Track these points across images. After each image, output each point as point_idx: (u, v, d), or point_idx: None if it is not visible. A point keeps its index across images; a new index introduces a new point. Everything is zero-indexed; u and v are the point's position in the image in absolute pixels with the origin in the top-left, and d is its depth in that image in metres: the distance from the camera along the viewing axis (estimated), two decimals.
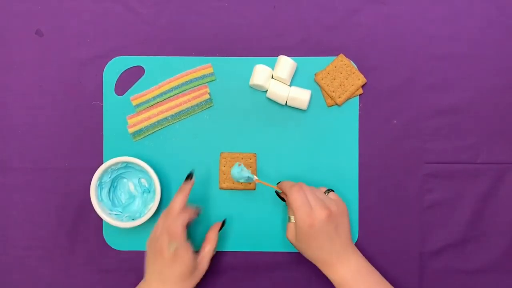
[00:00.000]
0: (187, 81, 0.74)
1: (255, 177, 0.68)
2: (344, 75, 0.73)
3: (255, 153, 0.73)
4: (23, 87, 0.75)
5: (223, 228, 0.71)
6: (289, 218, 0.67)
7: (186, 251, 0.64)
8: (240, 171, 0.68)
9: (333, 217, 0.64)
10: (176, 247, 0.63)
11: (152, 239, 0.66)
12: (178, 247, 0.63)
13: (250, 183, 0.73)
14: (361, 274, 0.64)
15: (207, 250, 0.68)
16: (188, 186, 0.67)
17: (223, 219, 0.72)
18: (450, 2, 0.75)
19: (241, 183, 0.72)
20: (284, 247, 0.74)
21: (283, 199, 0.70)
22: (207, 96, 0.74)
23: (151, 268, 0.65)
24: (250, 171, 0.69)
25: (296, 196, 0.64)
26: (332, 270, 0.64)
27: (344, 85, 0.73)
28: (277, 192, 0.71)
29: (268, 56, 0.74)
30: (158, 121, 0.74)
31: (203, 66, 0.74)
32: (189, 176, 0.68)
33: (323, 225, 0.63)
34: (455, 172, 0.74)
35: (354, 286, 0.63)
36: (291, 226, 0.67)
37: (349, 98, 0.74)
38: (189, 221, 0.66)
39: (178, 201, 0.65)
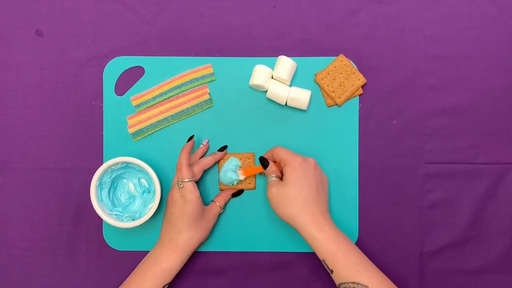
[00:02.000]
0: (187, 81, 0.74)
1: (241, 177, 0.71)
2: (344, 75, 0.73)
3: (253, 153, 0.73)
4: (23, 87, 0.75)
5: (237, 196, 0.74)
6: (268, 178, 0.69)
7: (193, 187, 0.67)
8: (225, 175, 0.72)
9: (319, 168, 0.69)
10: (182, 182, 0.67)
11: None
12: (185, 182, 0.67)
13: (249, 183, 0.73)
14: (344, 237, 0.66)
15: (216, 204, 0.71)
16: (190, 144, 0.69)
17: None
18: (450, 2, 0.75)
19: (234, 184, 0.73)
20: (284, 247, 0.74)
21: (264, 165, 0.70)
22: (207, 96, 0.74)
23: (164, 223, 0.70)
24: (237, 173, 0.71)
25: (284, 148, 0.69)
26: (318, 226, 0.65)
27: (344, 85, 0.73)
28: (260, 158, 0.71)
29: (268, 56, 0.74)
30: (158, 121, 0.74)
31: (203, 66, 0.74)
32: (190, 139, 0.70)
33: (313, 166, 0.68)
34: (455, 172, 0.74)
35: (342, 244, 0.64)
36: (273, 182, 0.68)
37: (349, 98, 0.74)
38: (202, 165, 0.70)
39: (182, 157, 0.68)
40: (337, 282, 0.65)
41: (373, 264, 0.65)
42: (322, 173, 0.70)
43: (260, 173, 0.73)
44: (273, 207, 0.68)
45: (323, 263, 0.65)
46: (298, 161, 0.67)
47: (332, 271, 0.64)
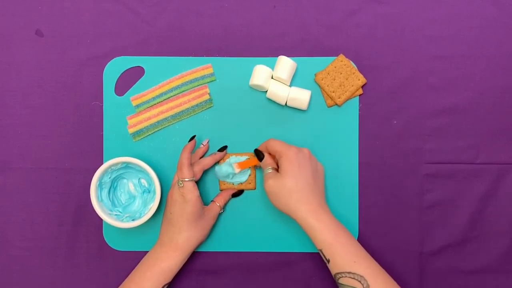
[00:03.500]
0: (187, 82, 0.74)
1: (236, 170, 0.71)
2: (344, 75, 0.73)
3: (253, 155, 0.73)
4: (23, 87, 0.75)
5: (238, 196, 0.74)
6: (265, 170, 0.69)
7: (193, 187, 0.68)
8: (220, 169, 0.72)
9: (313, 158, 0.70)
10: (183, 181, 0.67)
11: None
12: (185, 182, 0.67)
13: (249, 183, 0.73)
14: (342, 227, 0.66)
15: (216, 204, 0.72)
16: (191, 144, 0.70)
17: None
18: (450, 2, 0.75)
19: (233, 182, 0.74)
20: (284, 247, 0.74)
21: (260, 158, 0.70)
22: (207, 97, 0.74)
23: (163, 222, 0.70)
24: (232, 166, 0.71)
25: (278, 140, 0.69)
26: (315, 216, 0.65)
27: (344, 85, 0.73)
28: (255, 150, 0.71)
29: (268, 56, 0.74)
30: (158, 122, 0.74)
31: (203, 66, 0.74)
32: (191, 139, 0.71)
33: (308, 156, 0.68)
34: (455, 172, 0.74)
35: (340, 234, 0.64)
36: (269, 174, 0.68)
37: (349, 99, 0.74)
38: (202, 165, 0.71)
39: (183, 156, 0.69)
40: (333, 271, 0.65)
41: (370, 256, 0.65)
42: (317, 162, 0.70)
43: (255, 166, 0.73)
44: (271, 199, 0.68)
45: (320, 253, 0.65)
46: (293, 152, 0.67)
47: (328, 261, 0.64)
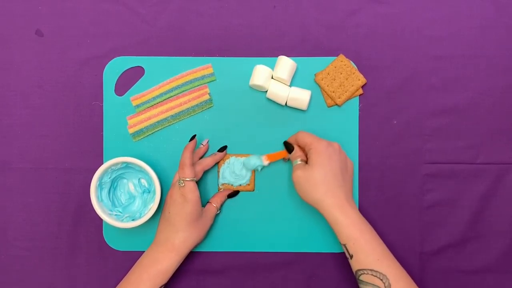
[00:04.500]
0: (187, 82, 0.74)
1: (265, 162, 0.71)
2: (344, 75, 0.73)
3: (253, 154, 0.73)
4: (23, 87, 0.75)
5: (233, 197, 0.74)
6: (294, 162, 0.69)
7: (194, 187, 0.68)
8: (248, 162, 0.71)
9: (343, 153, 0.69)
10: (184, 181, 0.67)
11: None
12: (186, 181, 0.67)
13: (248, 185, 0.73)
14: (368, 225, 0.66)
15: (212, 205, 0.71)
16: (192, 143, 0.70)
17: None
18: (450, 2, 0.75)
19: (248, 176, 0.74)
20: (284, 247, 0.74)
21: (289, 150, 0.71)
22: (207, 97, 0.74)
23: (161, 222, 0.70)
24: (261, 158, 0.71)
25: (308, 133, 0.70)
26: (342, 210, 0.65)
27: (344, 85, 0.73)
28: (285, 143, 0.71)
29: (268, 56, 0.74)
30: (158, 122, 0.74)
31: (203, 66, 0.74)
32: (192, 138, 0.70)
33: (338, 150, 0.68)
34: (455, 172, 0.74)
35: (365, 231, 0.64)
36: (298, 166, 0.68)
37: (349, 99, 0.74)
38: (203, 166, 0.71)
39: (185, 156, 0.68)
40: (355, 268, 0.64)
41: (393, 256, 0.65)
42: (347, 158, 0.70)
43: (284, 159, 0.73)
44: (298, 190, 0.68)
45: (343, 247, 0.65)
46: (323, 145, 0.67)
47: (351, 256, 0.64)
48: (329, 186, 0.66)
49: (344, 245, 0.65)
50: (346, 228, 0.64)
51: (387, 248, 0.66)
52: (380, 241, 0.66)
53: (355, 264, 0.64)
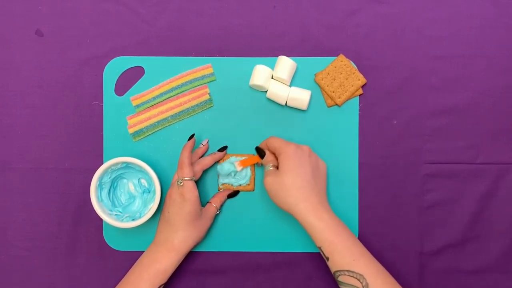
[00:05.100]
0: (187, 82, 0.74)
1: (238, 168, 0.71)
2: (344, 75, 0.73)
3: (253, 154, 0.73)
4: (23, 87, 0.75)
5: (233, 197, 0.74)
6: (266, 167, 0.69)
7: (193, 187, 0.68)
8: (222, 168, 0.72)
9: (314, 155, 0.69)
10: (183, 180, 0.67)
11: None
12: (185, 181, 0.67)
13: (248, 185, 0.73)
14: (343, 226, 0.66)
15: (212, 205, 0.72)
16: (191, 142, 0.70)
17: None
18: (450, 2, 0.75)
19: (235, 184, 0.74)
20: (284, 247, 0.74)
21: (261, 155, 0.70)
22: (207, 97, 0.74)
23: (160, 222, 0.70)
24: (234, 164, 0.72)
25: (278, 138, 0.70)
26: (316, 214, 0.65)
27: (344, 85, 0.73)
28: (257, 148, 0.71)
29: (268, 56, 0.74)
30: (158, 122, 0.74)
31: (203, 66, 0.74)
32: (190, 137, 0.71)
33: (308, 153, 0.68)
34: (455, 172, 0.74)
35: (339, 232, 0.64)
36: (269, 171, 0.68)
37: (349, 99, 0.74)
38: (202, 165, 0.71)
39: (184, 155, 0.69)
40: (332, 269, 0.65)
41: (370, 254, 0.65)
42: (318, 159, 0.70)
43: (257, 164, 0.73)
44: (271, 196, 0.68)
45: (320, 250, 0.65)
46: (292, 149, 0.67)
47: (328, 259, 0.64)
48: (300, 191, 0.65)
49: (320, 248, 0.65)
50: (320, 231, 0.64)
51: (364, 247, 0.66)
52: (357, 241, 0.65)
53: (332, 266, 0.64)
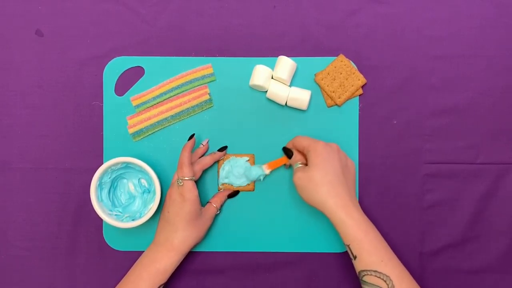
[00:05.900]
0: (187, 82, 0.74)
1: (267, 171, 0.71)
2: (344, 75, 0.73)
3: (253, 155, 0.73)
4: (23, 87, 0.75)
5: (233, 197, 0.74)
6: (294, 166, 0.69)
7: (192, 186, 0.68)
8: (250, 173, 0.71)
9: (342, 153, 0.69)
10: (183, 180, 0.67)
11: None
12: (185, 180, 0.67)
13: (248, 185, 0.73)
14: (371, 225, 0.66)
15: (212, 205, 0.71)
16: (191, 142, 0.70)
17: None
18: (450, 2, 0.75)
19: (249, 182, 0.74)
20: (284, 247, 0.74)
21: (289, 155, 0.70)
22: (207, 97, 0.74)
23: (160, 221, 0.70)
24: (262, 168, 0.71)
25: (304, 136, 0.70)
26: (347, 210, 0.64)
27: (344, 85, 0.73)
28: (284, 148, 0.71)
29: (268, 56, 0.74)
30: (158, 122, 0.74)
31: (203, 66, 0.74)
32: (190, 137, 0.71)
33: (336, 150, 0.68)
34: (455, 172, 0.74)
35: (369, 232, 0.64)
36: (298, 168, 0.68)
37: (349, 99, 0.74)
38: (202, 165, 0.71)
39: (184, 155, 0.69)
40: (358, 269, 0.64)
41: (397, 257, 0.65)
42: (347, 157, 0.70)
43: (285, 165, 0.73)
44: (300, 192, 0.67)
45: (347, 248, 0.65)
46: (321, 146, 0.67)
47: (355, 257, 0.64)
48: (331, 186, 0.65)
49: (348, 245, 0.64)
50: (350, 229, 0.63)
51: (391, 249, 0.65)
52: (384, 241, 0.65)
53: (358, 265, 0.64)
